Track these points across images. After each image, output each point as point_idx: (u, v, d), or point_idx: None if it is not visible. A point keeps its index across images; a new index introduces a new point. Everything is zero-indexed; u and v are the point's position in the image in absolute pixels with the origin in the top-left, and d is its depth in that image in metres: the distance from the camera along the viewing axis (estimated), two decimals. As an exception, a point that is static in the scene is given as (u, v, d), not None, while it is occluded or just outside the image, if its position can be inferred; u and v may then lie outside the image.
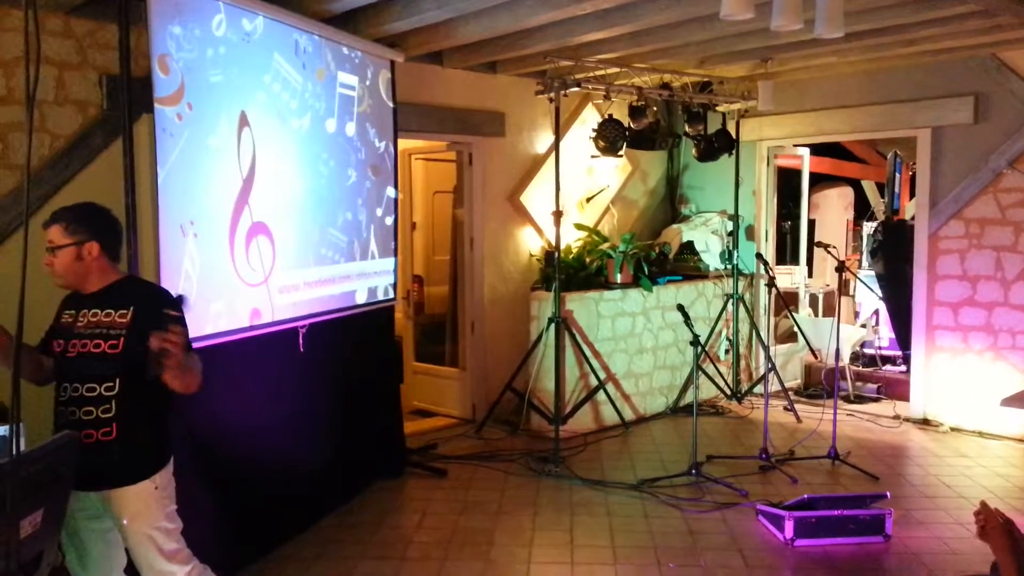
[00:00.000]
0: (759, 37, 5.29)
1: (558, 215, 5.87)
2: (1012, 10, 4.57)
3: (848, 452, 5.65)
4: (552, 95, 5.80)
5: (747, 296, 7.43)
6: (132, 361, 2.62)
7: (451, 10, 4.65)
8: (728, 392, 7.22)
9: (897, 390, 7.16)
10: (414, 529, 4.49)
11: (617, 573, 3.96)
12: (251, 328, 3.99)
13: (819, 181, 9.00)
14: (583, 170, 7.20)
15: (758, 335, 7.32)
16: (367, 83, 4.99)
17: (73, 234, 2.64)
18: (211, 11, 3.75)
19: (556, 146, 5.91)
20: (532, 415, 6.22)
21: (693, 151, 6.99)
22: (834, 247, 6.02)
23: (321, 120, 4.54)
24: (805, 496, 4.45)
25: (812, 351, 6.65)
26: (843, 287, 6.94)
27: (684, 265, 7.36)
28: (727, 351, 7.37)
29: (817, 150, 8.09)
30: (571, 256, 6.67)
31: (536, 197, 6.84)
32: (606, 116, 6.32)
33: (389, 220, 5.27)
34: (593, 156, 6.77)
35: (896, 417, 6.65)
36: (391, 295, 5.32)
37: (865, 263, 8.22)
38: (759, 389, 7.09)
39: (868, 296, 7.82)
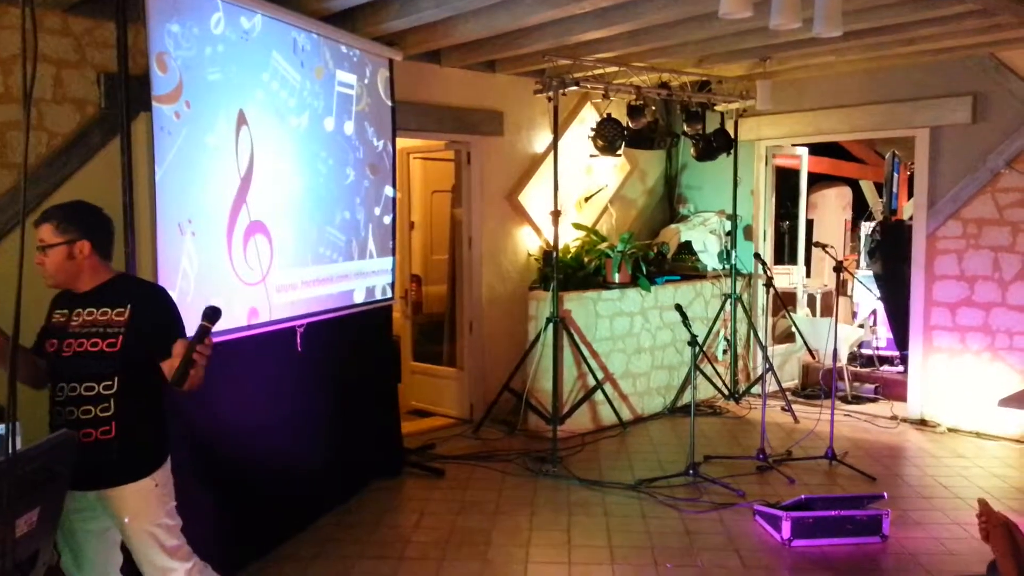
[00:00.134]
0: (758, 36, 5.29)
1: (556, 214, 5.87)
2: (1011, 9, 4.57)
3: (845, 452, 5.66)
4: (550, 94, 5.79)
5: (745, 296, 7.43)
6: (130, 359, 2.62)
7: (449, 9, 4.64)
8: (726, 392, 7.22)
9: (894, 390, 7.17)
10: (412, 529, 4.49)
11: (614, 573, 3.95)
12: (249, 327, 3.98)
13: (817, 181, 9.01)
14: (581, 169, 7.19)
15: (756, 335, 7.32)
16: (365, 82, 4.98)
17: (64, 232, 2.62)
18: (209, 9, 3.74)
19: (554, 145, 5.91)
20: (530, 415, 6.21)
21: (691, 150, 6.99)
22: (832, 247, 6.04)
23: (319, 119, 4.54)
24: (802, 496, 4.46)
25: (810, 351, 6.64)
26: (841, 287, 6.93)
27: (682, 265, 7.36)
28: (725, 351, 7.37)
29: (815, 150, 8.08)
30: (569, 256, 6.67)
31: (534, 196, 6.83)
32: (604, 115, 6.33)
33: (387, 219, 5.26)
34: (591, 155, 6.79)
35: (893, 417, 6.66)
36: (389, 294, 5.31)
37: (863, 263, 8.22)
38: (757, 389, 7.09)
39: (866, 296, 7.83)
